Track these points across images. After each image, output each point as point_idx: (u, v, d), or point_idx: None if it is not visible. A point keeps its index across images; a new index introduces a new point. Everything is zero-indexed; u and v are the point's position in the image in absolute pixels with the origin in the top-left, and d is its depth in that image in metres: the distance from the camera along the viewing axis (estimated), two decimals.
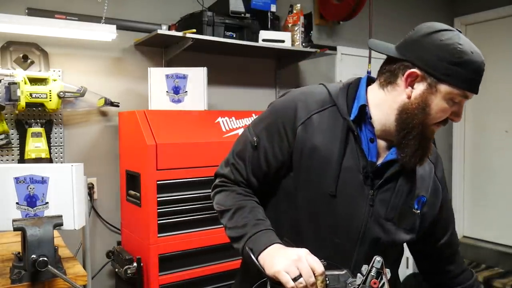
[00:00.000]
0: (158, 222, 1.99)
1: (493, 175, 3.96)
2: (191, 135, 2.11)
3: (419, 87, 0.99)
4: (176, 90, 2.28)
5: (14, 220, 1.27)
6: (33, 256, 1.21)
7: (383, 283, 0.90)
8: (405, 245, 1.18)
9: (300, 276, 0.88)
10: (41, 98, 2.09)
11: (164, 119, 2.12)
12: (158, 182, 1.99)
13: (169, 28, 2.49)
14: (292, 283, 0.88)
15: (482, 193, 4.06)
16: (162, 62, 2.57)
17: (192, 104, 2.28)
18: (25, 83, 2.05)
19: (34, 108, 2.17)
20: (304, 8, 2.83)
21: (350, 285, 0.90)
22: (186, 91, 2.28)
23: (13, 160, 2.16)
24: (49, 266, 1.22)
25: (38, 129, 2.16)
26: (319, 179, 1.04)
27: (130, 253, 2.12)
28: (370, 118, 1.05)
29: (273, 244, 0.97)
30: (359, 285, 0.89)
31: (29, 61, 2.11)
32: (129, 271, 2.01)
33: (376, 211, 1.05)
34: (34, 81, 2.11)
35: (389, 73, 1.04)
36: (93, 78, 2.36)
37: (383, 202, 1.05)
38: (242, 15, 2.48)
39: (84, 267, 1.83)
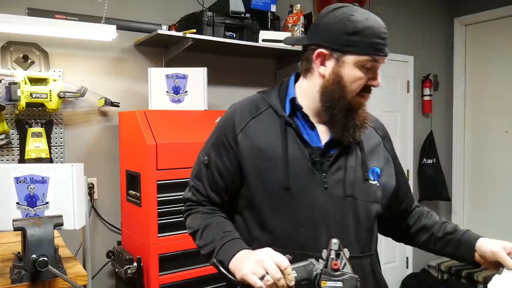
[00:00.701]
0: (158, 222, 1.99)
1: (493, 175, 3.96)
2: (191, 135, 2.11)
3: (330, 64, 1.07)
4: (176, 90, 2.28)
5: (14, 220, 1.27)
6: (33, 256, 1.21)
7: (345, 263, 0.93)
8: None
9: (266, 274, 0.91)
10: (41, 98, 2.09)
11: (164, 119, 2.12)
12: (158, 182, 1.99)
13: (169, 28, 2.49)
14: (259, 283, 0.90)
15: (482, 193, 4.06)
16: (162, 62, 2.57)
17: (192, 104, 2.28)
18: (25, 83, 2.06)
19: (34, 108, 2.17)
20: (304, 8, 2.83)
21: (315, 272, 0.93)
22: (186, 91, 2.28)
23: (13, 160, 2.16)
24: (49, 266, 1.22)
25: (38, 129, 2.16)
26: (270, 177, 1.09)
27: (130, 253, 2.12)
28: (301, 108, 1.13)
29: (239, 251, 1.02)
30: (322, 270, 0.92)
31: (29, 61, 2.11)
32: (129, 271, 2.01)
33: (333, 192, 1.09)
34: (34, 81, 2.11)
35: (305, 61, 1.13)
36: (93, 78, 2.36)
37: (338, 181, 1.10)
38: (242, 15, 2.48)
39: (84, 267, 1.83)
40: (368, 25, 1.03)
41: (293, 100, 1.13)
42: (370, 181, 1.13)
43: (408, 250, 3.95)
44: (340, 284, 0.91)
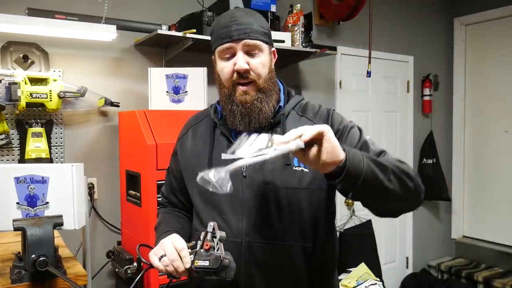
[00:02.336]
0: None
1: (493, 175, 3.96)
2: None
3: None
4: (176, 90, 2.28)
5: (14, 220, 1.27)
6: (33, 256, 1.21)
7: (218, 245, 1.01)
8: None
9: (165, 255, 1.03)
10: (41, 98, 2.09)
11: (164, 119, 2.12)
12: (158, 182, 1.99)
13: (169, 28, 2.49)
14: (157, 262, 1.04)
15: (482, 193, 4.06)
16: (162, 62, 2.57)
17: (192, 104, 2.28)
18: (25, 83, 2.06)
19: (34, 108, 2.17)
20: (304, 8, 2.83)
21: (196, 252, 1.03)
22: (186, 91, 2.28)
23: (13, 160, 2.16)
24: (49, 266, 1.22)
25: (39, 129, 2.16)
26: (197, 171, 1.12)
27: (130, 253, 2.12)
28: (220, 111, 1.24)
29: (159, 240, 1.13)
30: (197, 250, 1.02)
31: (29, 61, 2.11)
32: (129, 271, 2.01)
33: (252, 180, 1.14)
34: (34, 81, 2.11)
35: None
36: (93, 78, 2.36)
37: (258, 170, 1.14)
38: None
39: (84, 267, 1.83)
40: (217, 22, 1.18)
41: (218, 103, 1.25)
42: (294, 168, 1.13)
43: (408, 250, 3.95)
44: (207, 263, 1.00)
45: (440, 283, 3.85)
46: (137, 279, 1.13)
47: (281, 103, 1.23)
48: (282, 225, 1.13)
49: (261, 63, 1.15)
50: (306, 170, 1.14)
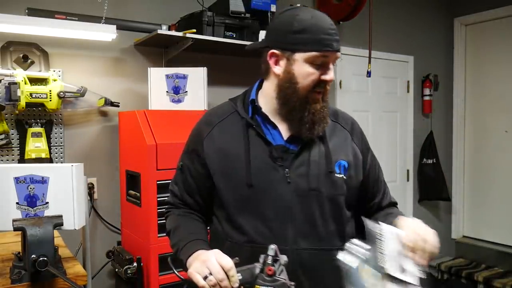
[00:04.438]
0: (158, 222, 1.99)
1: (493, 175, 3.96)
2: None
3: (282, 63, 1.11)
4: (176, 90, 2.28)
5: (14, 220, 1.27)
6: (33, 256, 1.21)
7: (281, 270, 0.95)
8: None
9: (210, 274, 0.95)
10: (41, 98, 2.09)
11: (164, 119, 2.12)
12: (158, 182, 1.99)
13: (169, 28, 2.49)
14: (202, 282, 0.95)
15: (482, 193, 4.06)
16: (162, 62, 2.57)
17: (192, 104, 2.28)
18: (25, 83, 2.06)
19: (34, 108, 2.17)
20: None
21: (257, 276, 0.96)
22: (186, 91, 2.28)
23: (13, 160, 2.16)
24: (49, 266, 1.22)
25: (38, 129, 2.16)
26: (234, 176, 1.14)
27: (130, 253, 2.12)
28: (261, 108, 1.17)
29: (196, 251, 1.06)
30: (257, 274, 0.95)
31: (29, 61, 2.11)
32: (129, 271, 2.01)
33: (297, 186, 1.12)
34: (34, 81, 2.11)
35: (263, 64, 1.18)
36: (93, 78, 2.36)
37: (301, 175, 1.12)
38: (242, 15, 2.48)
39: (84, 267, 1.83)
40: (313, 22, 1.07)
41: (253, 102, 1.18)
42: (336, 174, 1.15)
43: None
44: None
45: (440, 283, 3.85)
46: None
47: None
48: (325, 230, 1.13)
49: None
50: (344, 177, 1.16)
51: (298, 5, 1.14)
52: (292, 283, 0.94)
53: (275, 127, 1.16)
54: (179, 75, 2.28)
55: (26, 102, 2.06)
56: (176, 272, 1.05)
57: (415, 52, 3.90)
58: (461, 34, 4.13)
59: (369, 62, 2.95)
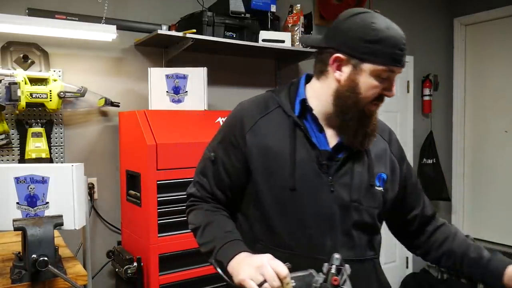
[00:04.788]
0: (158, 222, 2.00)
1: (493, 175, 3.96)
2: (191, 135, 2.12)
3: (346, 70, 1.05)
4: (176, 90, 2.28)
5: (14, 220, 1.27)
6: (34, 256, 1.21)
7: (345, 280, 0.92)
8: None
9: (264, 281, 0.90)
10: (42, 98, 2.09)
11: (164, 119, 2.12)
12: (158, 182, 1.99)
13: (169, 28, 2.49)
14: None
15: (482, 193, 4.06)
16: (162, 62, 2.57)
17: (192, 104, 2.28)
18: (25, 83, 2.06)
19: (34, 108, 2.17)
20: (304, 8, 2.83)
21: (314, 284, 0.92)
22: (186, 91, 2.28)
23: (13, 160, 2.16)
24: (49, 266, 1.22)
25: (39, 129, 2.16)
26: (277, 176, 1.09)
27: (130, 253, 2.12)
28: (312, 110, 1.12)
29: (239, 253, 1.01)
30: (321, 284, 0.91)
31: (29, 61, 2.11)
32: (129, 271, 2.01)
33: (339, 196, 1.09)
34: (34, 81, 2.11)
35: (320, 63, 1.11)
36: (93, 78, 2.36)
37: (344, 185, 1.10)
38: (242, 15, 2.48)
39: (84, 267, 1.83)
40: (388, 34, 1.01)
41: (304, 102, 1.12)
42: (375, 187, 1.13)
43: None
44: None
45: (440, 283, 3.85)
46: None
47: None
48: (359, 241, 1.11)
49: None
50: (382, 190, 1.15)
51: (370, 11, 1.07)
52: None
53: (321, 130, 1.12)
54: (179, 75, 2.28)
55: (26, 102, 2.06)
56: (224, 276, 0.99)
57: (415, 52, 3.90)
58: (461, 34, 4.13)
59: None
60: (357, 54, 1.03)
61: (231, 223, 1.14)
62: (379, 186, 1.14)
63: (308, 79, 1.18)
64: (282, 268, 0.91)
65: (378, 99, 1.07)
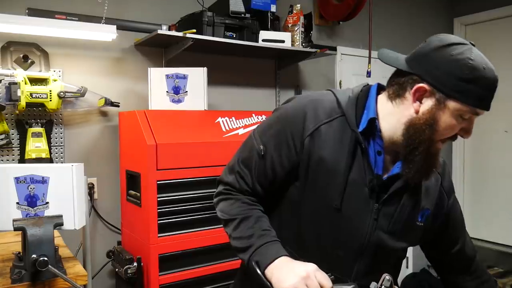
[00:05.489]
0: (158, 222, 1.99)
1: (493, 175, 3.96)
2: (191, 135, 2.12)
3: (427, 103, 0.97)
4: (176, 90, 2.28)
5: (14, 220, 1.27)
6: (34, 256, 1.21)
7: None
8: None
9: None
10: (42, 98, 2.09)
11: (164, 119, 2.12)
12: (158, 182, 1.99)
13: (169, 28, 2.49)
14: None
15: (482, 193, 4.06)
16: (162, 62, 2.57)
17: (192, 104, 2.28)
18: (25, 83, 2.06)
19: (34, 108, 2.17)
20: (304, 8, 2.83)
21: None
22: (186, 91, 2.28)
23: (13, 160, 2.16)
24: (49, 266, 1.22)
25: (39, 129, 2.16)
26: (324, 191, 1.04)
27: (130, 253, 2.12)
28: (380, 131, 1.03)
29: (280, 256, 0.97)
30: None
31: (29, 61, 2.11)
32: (129, 271, 2.01)
33: (380, 226, 1.05)
34: (34, 81, 2.11)
35: (397, 85, 1.01)
36: (93, 78, 2.36)
37: (387, 215, 1.05)
38: (242, 15, 2.48)
39: (84, 267, 1.83)
40: (485, 75, 0.94)
41: (373, 120, 1.03)
42: (417, 223, 1.09)
43: (408, 250, 3.94)
44: None
45: (440, 283, 3.84)
46: None
47: None
48: (385, 270, 1.01)
49: None
50: (423, 224, 1.10)
51: (467, 43, 0.97)
52: None
53: (379, 153, 1.04)
54: (179, 75, 2.28)
55: (26, 102, 2.06)
56: (265, 280, 0.94)
57: None
58: (461, 34, 4.13)
59: (369, 62, 2.95)
60: (445, 90, 0.94)
61: (267, 221, 1.08)
62: (420, 222, 1.09)
63: (379, 91, 1.09)
64: (328, 282, 0.89)
65: (452, 137, 1.02)
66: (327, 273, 0.92)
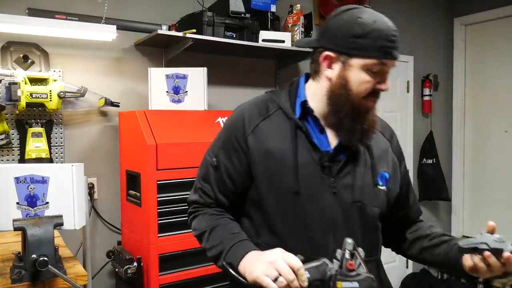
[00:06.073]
0: (158, 222, 1.99)
1: (493, 175, 3.96)
2: (191, 135, 2.12)
3: (336, 67, 1.05)
4: (176, 90, 2.28)
5: (14, 220, 1.27)
6: (34, 256, 1.21)
7: (359, 263, 0.92)
8: None
9: (279, 275, 0.90)
10: (42, 98, 2.09)
11: (164, 119, 2.12)
12: (158, 182, 1.99)
13: (169, 28, 2.49)
14: (273, 285, 0.90)
15: (482, 193, 4.06)
16: (162, 62, 2.57)
17: (192, 104, 2.28)
18: (25, 83, 2.06)
19: (34, 108, 2.17)
20: (304, 8, 2.83)
21: (329, 272, 0.92)
22: (186, 91, 2.28)
23: (13, 160, 2.16)
24: (49, 266, 1.22)
25: (39, 129, 2.16)
26: (279, 180, 1.08)
27: (130, 253, 2.12)
28: (313, 111, 1.11)
29: (248, 252, 1.00)
30: (337, 270, 0.91)
31: (29, 61, 2.11)
32: (129, 271, 2.01)
33: (342, 198, 1.08)
34: (34, 81, 2.11)
35: (313, 63, 1.11)
36: (93, 78, 2.36)
37: (346, 187, 1.09)
38: (242, 15, 2.48)
39: (84, 267, 1.83)
40: (375, 27, 1.01)
41: (304, 103, 1.11)
42: (378, 186, 1.12)
43: None
44: (356, 284, 0.89)
45: (440, 283, 3.85)
46: None
47: None
48: (363, 242, 1.04)
49: None
50: (385, 189, 1.14)
51: (359, 6, 1.06)
52: (372, 276, 0.91)
53: (322, 131, 1.11)
54: (179, 75, 2.28)
55: (26, 102, 2.06)
56: (238, 276, 0.97)
57: (415, 52, 3.90)
58: (461, 34, 4.13)
59: None
60: (345, 50, 1.02)
61: (237, 225, 1.13)
62: (382, 185, 1.13)
63: (307, 79, 1.17)
64: (296, 261, 0.91)
65: (373, 94, 1.06)
66: (297, 254, 0.94)
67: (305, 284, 0.90)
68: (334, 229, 1.08)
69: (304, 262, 0.92)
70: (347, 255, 0.91)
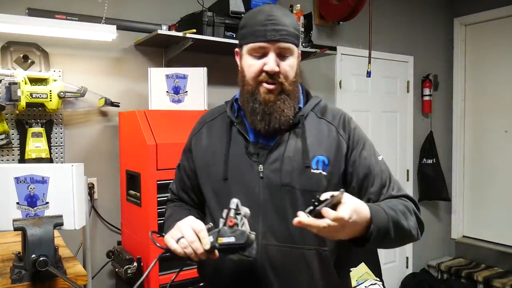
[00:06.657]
0: (158, 222, 1.99)
1: (493, 175, 3.96)
2: None
3: (238, 60, 1.22)
4: (176, 90, 2.28)
5: (14, 220, 1.27)
6: (34, 256, 1.21)
7: (243, 222, 0.99)
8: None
9: (182, 237, 1.00)
10: (42, 98, 2.09)
11: (164, 119, 2.12)
12: (158, 182, 1.99)
13: (169, 28, 2.49)
14: (175, 244, 1.00)
15: (482, 193, 4.06)
16: (162, 62, 2.57)
17: (192, 104, 2.28)
18: (25, 83, 2.06)
19: (34, 108, 2.17)
20: (304, 8, 2.83)
21: (214, 229, 1.00)
22: (186, 91, 2.29)
23: (13, 160, 2.16)
24: (49, 266, 1.22)
25: (39, 129, 2.16)
26: (213, 171, 1.20)
27: (130, 253, 2.12)
28: (241, 106, 1.22)
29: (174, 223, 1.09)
30: (220, 228, 0.99)
31: (29, 61, 2.11)
32: (129, 271, 2.01)
33: (269, 182, 1.14)
34: (34, 81, 2.11)
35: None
36: (93, 78, 2.36)
37: (275, 171, 1.14)
38: (242, 15, 2.48)
39: (84, 267, 1.83)
40: (252, 17, 1.14)
41: (237, 100, 1.23)
42: (312, 170, 1.13)
43: (408, 250, 3.95)
44: (232, 239, 0.97)
45: (440, 283, 3.85)
46: (152, 264, 1.09)
47: (300, 104, 1.22)
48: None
49: (290, 66, 1.14)
50: (324, 173, 1.14)
51: (265, 5, 1.19)
52: (253, 232, 0.99)
53: None
54: (179, 75, 2.28)
55: (26, 102, 2.06)
56: (156, 243, 1.08)
57: (415, 52, 3.90)
58: (461, 34, 4.13)
59: (369, 62, 2.95)
60: (239, 44, 1.18)
61: (189, 212, 1.22)
62: (317, 169, 1.13)
63: None
64: (198, 225, 1.00)
65: (262, 75, 1.12)
66: (208, 223, 1.03)
67: (207, 246, 0.97)
68: (263, 212, 1.13)
69: (211, 229, 1.00)
70: (231, 214, 0.99)
